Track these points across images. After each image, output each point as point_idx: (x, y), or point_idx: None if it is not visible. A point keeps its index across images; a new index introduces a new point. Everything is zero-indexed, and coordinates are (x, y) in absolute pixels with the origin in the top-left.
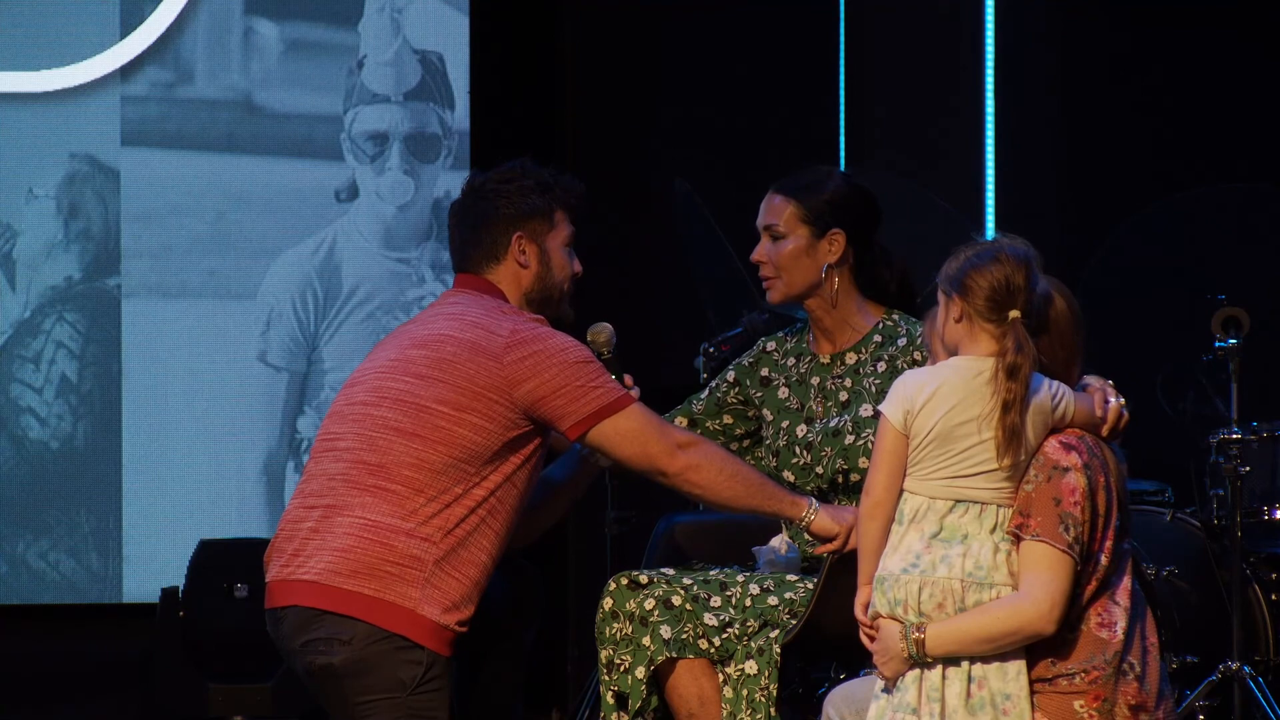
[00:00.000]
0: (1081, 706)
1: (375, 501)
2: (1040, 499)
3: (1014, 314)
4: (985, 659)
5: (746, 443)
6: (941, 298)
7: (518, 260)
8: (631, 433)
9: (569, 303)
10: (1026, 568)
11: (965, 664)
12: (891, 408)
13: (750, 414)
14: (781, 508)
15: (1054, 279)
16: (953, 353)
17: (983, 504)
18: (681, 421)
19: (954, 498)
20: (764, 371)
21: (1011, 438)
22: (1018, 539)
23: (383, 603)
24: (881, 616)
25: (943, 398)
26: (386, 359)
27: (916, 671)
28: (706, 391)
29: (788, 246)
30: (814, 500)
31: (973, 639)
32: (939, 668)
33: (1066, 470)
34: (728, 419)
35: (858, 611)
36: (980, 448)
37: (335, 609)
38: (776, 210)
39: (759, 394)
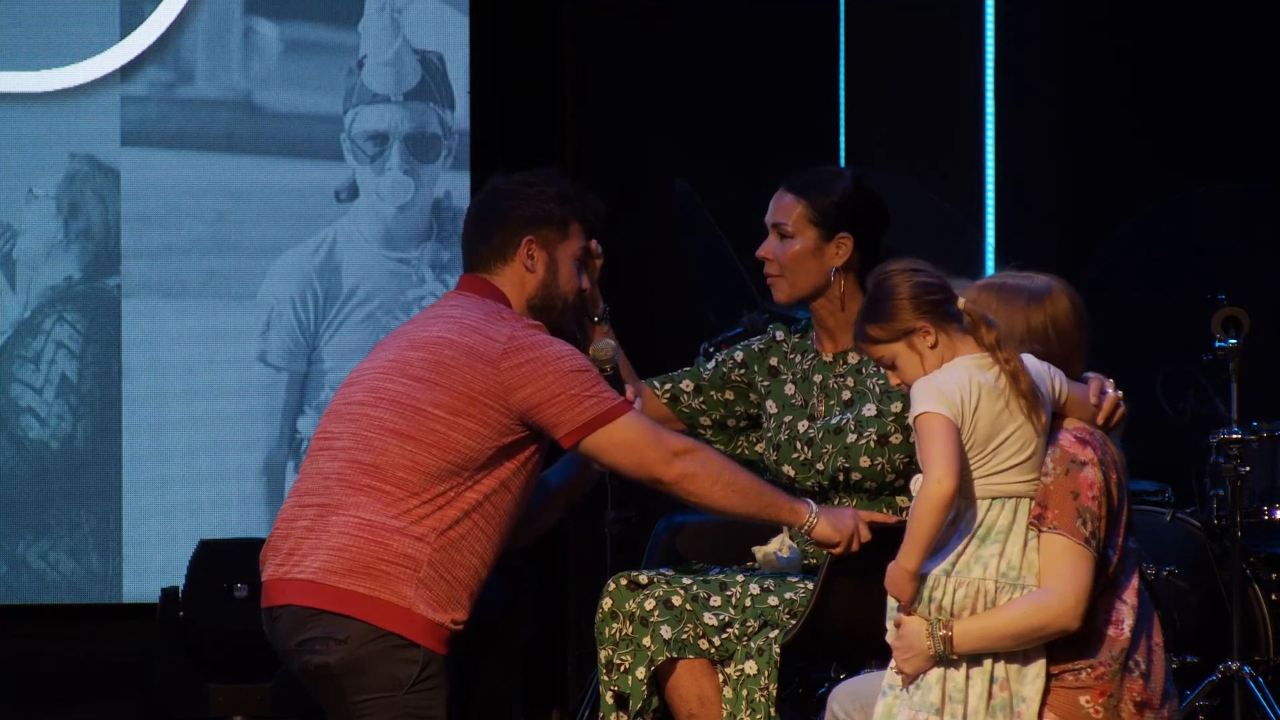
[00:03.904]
0: (1087, 702)
1: (370, 501)
2: (1058, 492)
3: (960, 302)
4: (1009, 659)
5: (743, 424)
6: (903, 350)
7: (525, 264)
8: (626, 442)
9: (571, 317)
10: (1048, 564)
11: (988, 664)
12: (941, 405)
13: (752, 397)
14: (781, 515)
15: (1061, 278)
16: None
17: (1017, 498)
18: (688, 384)
19: (989, 495)
20: (773, 361)
21: (1034, 399)
22: (1037, 530)
23: (379, 601)
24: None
25: (977, 397)
26: (385, 359)
27: (940, 671)
28: (713, 364)
29: (795, 247)
30: (813, 506)
31: (999, 636)
32: (963, 668)
33: (1084, 465)
34: (729, 394)
35: (892, 607)
36: (1011, 440)
37: (331, 608)
38: (786, 209)
39: (765, 383)
